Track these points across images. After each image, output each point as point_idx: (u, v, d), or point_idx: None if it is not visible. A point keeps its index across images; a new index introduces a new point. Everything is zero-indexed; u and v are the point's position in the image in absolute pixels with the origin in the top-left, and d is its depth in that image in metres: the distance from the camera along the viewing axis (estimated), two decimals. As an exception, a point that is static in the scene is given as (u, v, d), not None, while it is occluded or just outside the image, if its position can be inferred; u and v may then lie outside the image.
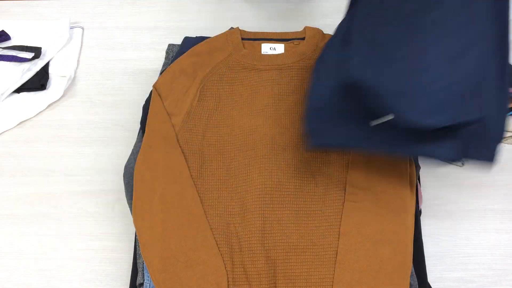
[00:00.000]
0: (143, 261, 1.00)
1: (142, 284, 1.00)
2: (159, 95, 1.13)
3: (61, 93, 1.42)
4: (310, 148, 0.97)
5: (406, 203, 0.99)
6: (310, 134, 0.92)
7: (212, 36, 1.26)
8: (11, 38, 1.51)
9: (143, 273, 1.00)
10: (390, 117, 0.77)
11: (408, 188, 1.00)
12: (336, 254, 0.94)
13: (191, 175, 1.03)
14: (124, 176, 1.08)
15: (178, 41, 1.28)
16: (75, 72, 1.47)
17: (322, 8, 1.59)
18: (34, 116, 1.39)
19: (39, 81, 1.42)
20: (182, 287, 0.92)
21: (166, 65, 1.25)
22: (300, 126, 1.08)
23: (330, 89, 0.90)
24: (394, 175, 1.00)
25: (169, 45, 1.30)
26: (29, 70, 1.42)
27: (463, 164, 1.26)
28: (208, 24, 1.54)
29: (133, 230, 1.10)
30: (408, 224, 0.97)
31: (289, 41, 1.18)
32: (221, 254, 0.95)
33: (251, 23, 1.46)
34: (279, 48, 1.17)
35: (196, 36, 1.27)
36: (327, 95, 0.90)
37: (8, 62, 1.46)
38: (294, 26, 1.46)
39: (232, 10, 1.58)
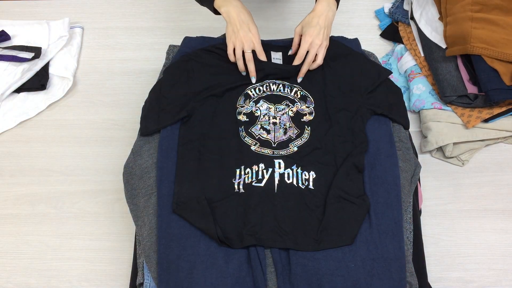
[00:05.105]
0: (143, 261, 1.00)
1: (142, 284, 1.00)
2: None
3: (61, 93, 1.42)
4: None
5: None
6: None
7: (212, 36, 1.26)
8: (11, 38, 1.51)
9: (143, 273, 1.00)
10: None
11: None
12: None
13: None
14: (123, 175, 1.08)
15: (178, 41, 1.29)
16: (75, 72, 1.47)
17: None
18: (34, 116, 1.39)
19: (39, 81, 1.42)
20: None
21: (166, 65, 1.25)
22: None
23: None
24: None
25: (170, 46, 1.30)
26: (29, 70, 1.42)
27: (463, 164, 1.26)
28: (208, 24, 1.55)
29: (133, 230, 1.10)
30: None
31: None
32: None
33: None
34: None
35: (197, 36, 1.27)
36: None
37: (8, 62, 1.46)
38: (294, 26, 1.46)
39: (232, 10, 1.58)
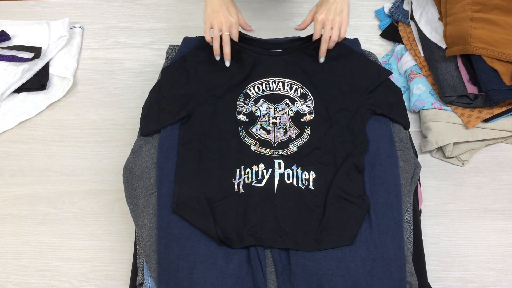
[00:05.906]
0: (143, 261, 1.00)
1: (142, 284, 1.00)
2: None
3: (61, 93, 1.42)
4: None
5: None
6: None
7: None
8: (11, 38, 1.51)
9: (143, 273, 1.00)
10: None
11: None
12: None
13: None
14: (123, 175, 1.08)
15: (178, 41, 1.29)
16: (75, 72, 1.47)
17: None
18: (34, 116, 1.39)
19: (39, 81, 1.41)
20: None
21: (166, 65, 1.25)
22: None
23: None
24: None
25: (170, 45, 1.30)
26: (29, 70, 1.42)
27: (463, 164, 1.26)
28: (208, 24, 1.54)
29: (133, 230, 1.10)
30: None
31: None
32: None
33: (251, 23, 1.46)
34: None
35: (196, 36, 1.27)
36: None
37: (8, 62, 1.46)
38: (294, 26, 1.46)
39: (232, 10, 1.58)
